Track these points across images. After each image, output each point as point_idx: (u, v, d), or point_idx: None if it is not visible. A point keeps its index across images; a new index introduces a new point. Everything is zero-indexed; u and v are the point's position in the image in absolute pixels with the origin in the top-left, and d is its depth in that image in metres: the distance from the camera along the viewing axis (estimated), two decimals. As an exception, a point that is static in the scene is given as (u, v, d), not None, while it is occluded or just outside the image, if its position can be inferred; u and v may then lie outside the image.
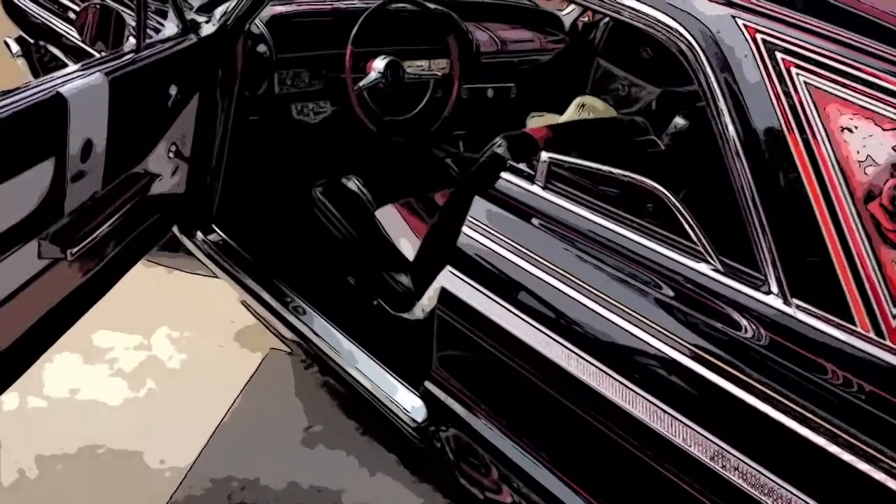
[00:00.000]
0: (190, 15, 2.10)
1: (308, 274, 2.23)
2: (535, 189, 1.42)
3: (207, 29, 2.11)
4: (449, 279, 1.45)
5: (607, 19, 3.22)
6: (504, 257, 1.40)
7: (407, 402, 1.75)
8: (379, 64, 2.24)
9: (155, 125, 1.92)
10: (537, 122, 2.73)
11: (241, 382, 2.35)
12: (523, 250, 1.38)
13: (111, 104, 1.61)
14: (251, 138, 2.39)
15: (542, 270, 1.35)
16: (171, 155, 2.04)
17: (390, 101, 2.35)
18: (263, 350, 2.47)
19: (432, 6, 2.65)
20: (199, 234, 2.36)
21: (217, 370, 2.40)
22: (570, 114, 2.66)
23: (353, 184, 2.21)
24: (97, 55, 1.83)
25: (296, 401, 2.32)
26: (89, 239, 1.55)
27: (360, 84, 2.23)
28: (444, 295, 1.46)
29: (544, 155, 1.41)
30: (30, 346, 1.62)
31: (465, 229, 1.43)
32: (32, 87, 1.45)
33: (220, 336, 2.53)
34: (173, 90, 1.92)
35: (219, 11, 2.19)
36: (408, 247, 2.07)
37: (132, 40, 1.82)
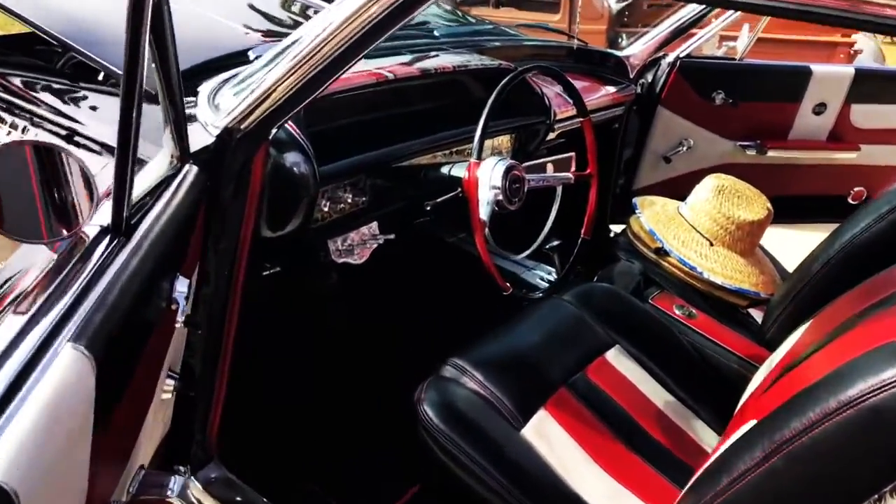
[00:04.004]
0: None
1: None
2: None
3: (196, 136, 1.16)
4: None
5: (672, 57, 2.48)
6: None
7: None
8: (493, 173, 1.35)
9: (154, 369, 0.95)
10: (653, 214, 1.92)
11: None
12: None
13: (97, 406, 0.65)
14: (270, 305, 1.43)
15: None
16: (169, 392, 1.07)
17: (507, 228, 1.46)
18: None
19: (499, 64, 1.79)
20: (189, 477, 1.39)
21: None
22: (708, 201, 1.88)
23: (473, 381, 1.31)
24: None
25: None
26: None
27: (482, 215, 1.32)
28: None
29: None
30: None
31: None
32: None
33: None
34: (181, 284, 0.96)
35: (205, 97, 1.24)
36: (600, 488, 1.21)
37: (104, 204, 0.85)
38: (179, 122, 0.97)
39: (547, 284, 1.84)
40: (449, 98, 1.79)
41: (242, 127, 1.15)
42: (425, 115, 1.69)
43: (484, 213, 1.32)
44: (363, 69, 1.56)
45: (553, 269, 1.87)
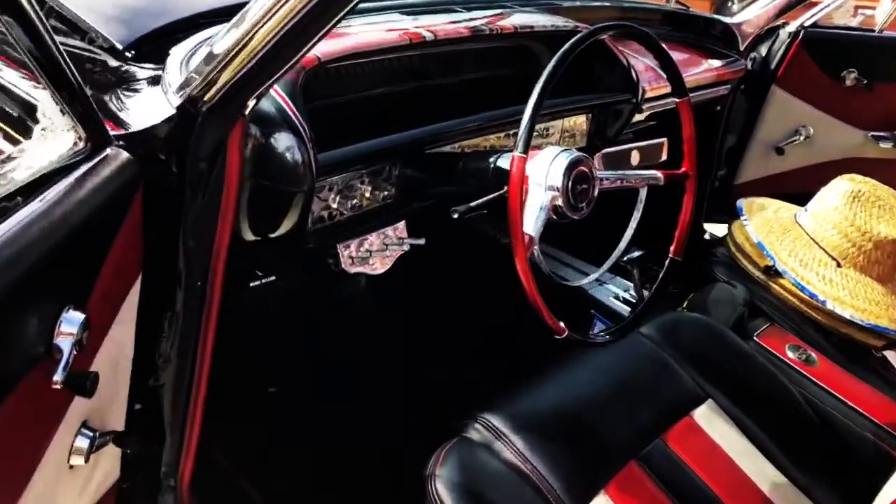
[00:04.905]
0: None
1: None
2: None
3: (153, 110, 0.88)
4: None
5: (793, 27, 2.04)
6: None
7: None
8: (551, 169, 0.99)
9: (28, 441, 0.66)
10: (762, 221, 1.52)
11: None
12: None
13: None
14: (259, 322, 1.14)
15: None
16: (81, 456, 0.79)
17: (572, 228, 1.10)
18: None
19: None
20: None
21: None
22: (837, 209, 1.46)
23: (509, 449, 0.97)
24: None
25: None
26: None
27: (528, 228, 0.96)
28: None
29: None
30: None
31: None
32: None
33: None
34: (70, 323, 0.66)
35: (178, 61, 0.96)
36: None
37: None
38: (72, 90, 0.66)
39: (625, 306, 1.47)
40: (508, 67, 1.44)
41: (207, 98, 0.86)
42: (476, 88, 1.36)
43: (532, 225, 0.95)
44: (396, 27, 1.23)
45: (632, 286, 1.50)
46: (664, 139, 1.83)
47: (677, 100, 1.20)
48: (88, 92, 0.72)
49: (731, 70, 1.91)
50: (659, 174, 1.17)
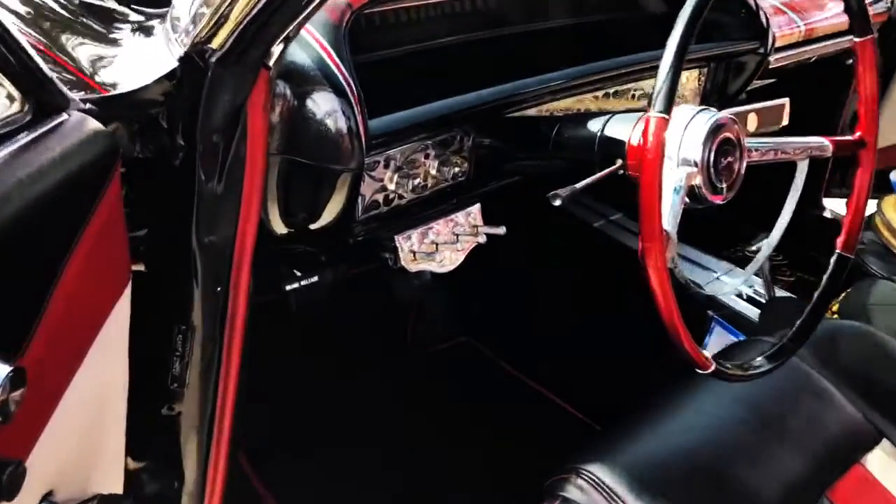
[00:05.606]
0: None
1: None
2: None
3: (150, 63, 0.66)
4: None
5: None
6: None
7: None
8: (687, 135, 0.72)
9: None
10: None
11: None
12: None
13: None
14: (298, 332, 0.93)
15: None
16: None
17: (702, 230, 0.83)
18: None
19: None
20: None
21: None
22: None
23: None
24: None
25: None
26: None
27: (666, 223, 0.68)
28: None
29: None
30: None
31: None
32: None
33: None
34: None
35: (187, 2, 0.73)
36: None
37: None
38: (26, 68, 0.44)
39: (752, 307, 1.18)
40: (606, 11, 1.18)
41: (216, 43, 0.63)
42: (566, 38, 1.10)
43: (669, 218, 0.68)
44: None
45: (758, 281, 1.21)
46: (785, 100, 1.53)
47: (857, 39, 0.90)
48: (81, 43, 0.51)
49: (872, 13, 1.58)
50: (826, 142, 0.88)
